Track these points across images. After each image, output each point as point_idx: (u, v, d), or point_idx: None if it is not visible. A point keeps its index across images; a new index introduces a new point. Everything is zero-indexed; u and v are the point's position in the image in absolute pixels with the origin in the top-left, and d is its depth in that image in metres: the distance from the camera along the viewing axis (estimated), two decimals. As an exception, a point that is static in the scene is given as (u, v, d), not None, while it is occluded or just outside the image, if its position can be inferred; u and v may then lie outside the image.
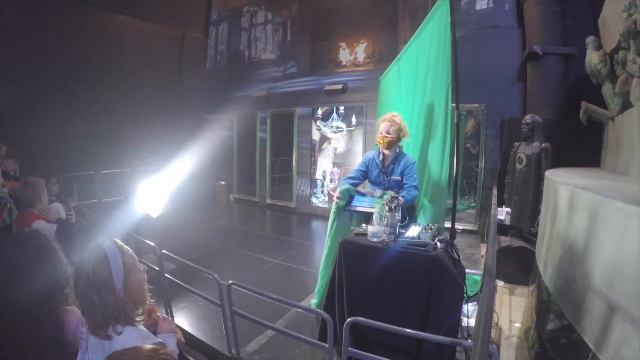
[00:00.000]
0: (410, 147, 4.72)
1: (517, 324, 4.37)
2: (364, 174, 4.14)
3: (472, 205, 8.13)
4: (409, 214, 3.71)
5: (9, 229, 3.56)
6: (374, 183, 4.12)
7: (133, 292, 1.68)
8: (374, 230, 3.24)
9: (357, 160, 9.08)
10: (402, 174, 3.91)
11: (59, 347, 1.91)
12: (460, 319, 3.23)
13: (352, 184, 4.03)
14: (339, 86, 9.50)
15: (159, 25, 11.35)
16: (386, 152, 4.01)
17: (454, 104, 3.91)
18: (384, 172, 4.02)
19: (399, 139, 3.95)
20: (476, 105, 7.65)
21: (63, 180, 6.43)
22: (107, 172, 9.15)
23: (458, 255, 3.38)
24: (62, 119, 8.64)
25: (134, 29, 10.66)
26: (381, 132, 3.95)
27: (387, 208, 3.15)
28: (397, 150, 4.01)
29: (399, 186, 3.90)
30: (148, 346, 1.27)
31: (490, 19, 7.78)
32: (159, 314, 1.95)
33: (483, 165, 7.81)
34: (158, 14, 11.02)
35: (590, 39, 5.19)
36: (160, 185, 6.80)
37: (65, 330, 1.95)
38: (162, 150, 9.30)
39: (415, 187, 3.81)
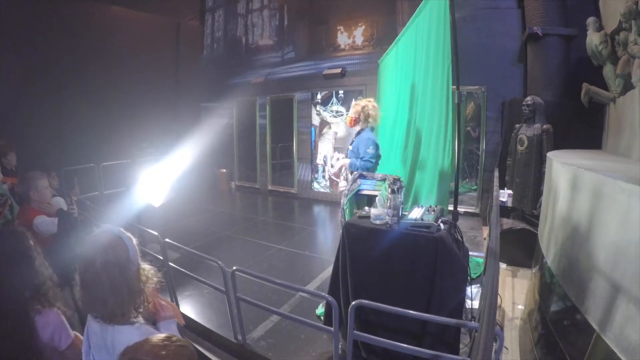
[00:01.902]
0: (412, 129, 4.70)
1: (520, 306, 4.40)
2: None
3: (474, 187, 8.11)
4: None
5: (10, 224, 3.55)
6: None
7: (140, 275, 1.71)
8: (377, 212, 3.24)
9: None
10: (354, 147, 4.61)
11: (29, 351, 1.90)
12: (464, 301, 3.25)
13: None
14: (338, 70, 9.43)
15: (153, 15, 11.27)
16: (353, 129, 4.86)
17: (454, 86, 3.89)
18: (350, 146, 4.77)
19: (359, 119, 4.65)
20: (476, 87, 7.59)
21: (64, 174, 6.43)
22: (107, 164, 9.18)
23: (461, 236, 3.38)
24: (59, 112, 8.64)
25: (128, 19, 10.59)
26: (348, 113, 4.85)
27: (389, 190, 3.15)
28: (359, 129, 4.71)
29: (352, 155, 4.61)
30: (160, 335, 1.27)
31: None
32: (158, 299, 1.93)
33: (484, 148, 7.75)
34: (152, 3, 10.93)
35: (591, 20, 5.12)
36: (161, 175, 6.81)
37: (39, 334, 1.94)
38: (162, 140, 9.31)
39: (362, 159, 4.44)
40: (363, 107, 4.65)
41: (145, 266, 1.77)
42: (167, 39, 11.98)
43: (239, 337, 3.72)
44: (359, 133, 4.72)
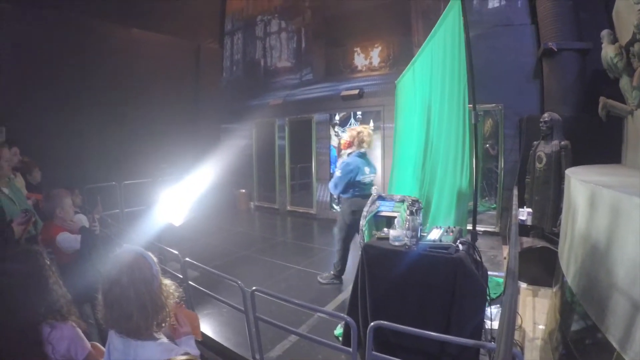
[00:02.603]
0: (429, 150, 4.72)
1: (541, 326, 4.33)
2: None
3: (493, 206, 8.05)
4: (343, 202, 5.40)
5: (34, 240, 3.63)
6: None
7: (162, 291, 1.76)
8: (396, 234, 3.26)
9: (376, 164, 9.12)
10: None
11: None
12: (484, 322, 3.22)
13: None
14: (356, 91, 9.51)
15: (174, 37, 11.52)
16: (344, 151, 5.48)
17: (470, 105, 3.91)
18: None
19: (353, 143, 5.34)
20: (493, 105, 7.58)
21: (86, 192, 6.58)
22: (128, 183, 9.37)
23: (480, 257, 3.37)
24: (82, 132, 8.84)
25: (149, 41, 10.85)
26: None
27: (408, 211, 3.17)
28: (348, 153, 5.38)
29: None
30: (181, 357, 1.30)
31: (503, 16, 7.70)
32: (179, 313, 1.98)
33: (503, 166, 7.71)
34: (172, 26, 11.20)
35: (605, 33, 5.11)
36: (181, 195, 6.90)
37: (55, 347, 1.98)
38: (182, 160, 9.44)
39: (331, 180, 5.38)
40: (358, 133, 5.33)
41: (167, 282, 1.82)
42: (187, 62, 12.22)
43: (257, 357, 3.72)
44: (348, 155, 5.35)
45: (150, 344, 1.66)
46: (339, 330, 4.20)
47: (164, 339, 1.74)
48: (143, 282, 1.65)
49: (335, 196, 5.48)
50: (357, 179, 5.26)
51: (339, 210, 5.50)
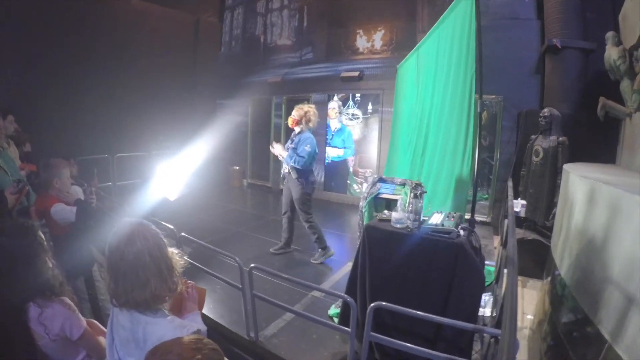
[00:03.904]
0: (429, 136, 4.72)
1: (529, 316, 4.41)
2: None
3: (485, 197, 8.09)
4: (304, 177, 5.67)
5: (26, 211, 3.58)
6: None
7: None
8: (398, 216, 3.27)
9: (373, 147, 9.14)
10: (297, 145, 5.58)
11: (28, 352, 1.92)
12: (479, 308, 3.27)
13: None
14: (356, 73, 9.46)
15: (173, 10, 11.38)
16: (294, 129, 5.76)
17: (477, 94, 3.91)
18: (289, 142, 5.74)
19: (301, 122, 5.66)
20: (493, 96, 7.59)
21: (79, 164, 6.53)
22: (122, 156, 9.27)
23: (479, 244, 3.41)
24: (75, 103, 8.72)
25: (148, 13, 10.71)
26: (292, 115, 5.70)
27: (412, 194, 3.19)
28: (299, 130, 5.69)
29: (292, 152, 5.62)
30: (190, 337, 1.30)
31: (509, 9, 7.66)
32: (187, 286, 1.96)
33: (498, 157, 7.78)
34: (173, -3, 11.01)
35: (610, 34, 5.11)
36: (177, 169, 6.87)
37: (49, 326, 1.96)
38: (177, 134, 9.39)
39: (298, 154, 5.56)
40: (306, 112, 5.66)
41: (171, 249, 1.79)
42: (185, 35, 12.09)
43: (252, 334, 3.77)
44: (299, 133, 5.67)
45: (161, 321, 1.63)
46: (333, 310, 4.25)
47: (173, 316, 1.73)
48: (157, 246, 1.64)
49: (288, 171, 5.73)
50: (315, 153, 5.74)
51: (295, 183, 5.70)
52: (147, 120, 9.85)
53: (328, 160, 10.16)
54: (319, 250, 5.91)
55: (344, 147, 9.86)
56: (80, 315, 2.12)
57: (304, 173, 5.71)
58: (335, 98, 9.92)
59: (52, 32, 8.43)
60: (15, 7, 7.87)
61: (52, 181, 3.54)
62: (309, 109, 5.75)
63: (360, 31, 9.85)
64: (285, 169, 5.74)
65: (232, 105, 12.25)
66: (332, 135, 9.98)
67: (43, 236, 2.14)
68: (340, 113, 9.82)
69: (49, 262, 2.09)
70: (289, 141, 5.81)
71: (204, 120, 10.96)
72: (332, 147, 10.08)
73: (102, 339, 2.12)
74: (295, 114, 5.69)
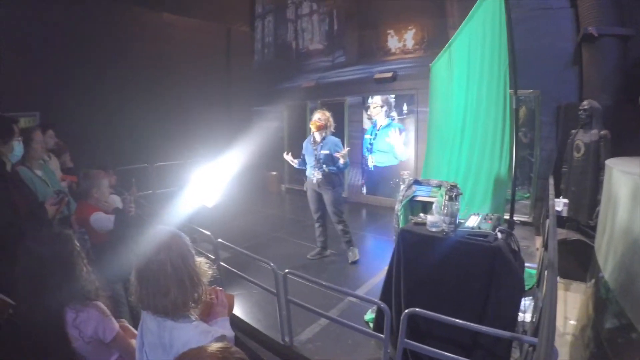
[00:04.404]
0: (466, 135, 4.60)
1: (572, 321, 4.19)
2: (304, 155, 5.91)
3: (526, 195, 7.78)
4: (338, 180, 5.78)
5: (67, 219, 3.72)
6: (309, 156, 5.82)
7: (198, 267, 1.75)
8: (434, 219, 3.19)
9: (409, 149, 8.97)
10: (330, 149, 5.63)
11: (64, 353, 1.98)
12: (518, 314, 3.14)
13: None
14: (389, 74, 9.34)
15: (205, 21, 11.56)
16: (316, 134, 5.70)
17: (511, 90, 3.78)
18: (315, 147, 5.72)
19: (326, 126, 5.69)
20: (530, 91, 7.24)
21: (119, 173, 6.70)
22: (160, 165, 9.53)
23: (518, 247, 3.28)
24: (115, 116, 9.01)
25: (180, 26, 10.94)
26: (313, 119, 5.70)
27: (447, 197, 3.10)
28: (325, 134, 5.70)
29: (327, 158, 5.66)
30: (217, 345, 1.27)
31: None
32: (215, 292, 1.97)
33: (538, 154, 7.46)
34: (203, 10, 11.24)
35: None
36: (214, 176, 6.95)
37: (82, 329, 2.03)
38: (214, 142, 9.50)
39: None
40: (329, 117, 5.77)
41: (200, 259, 1.80)
42: (218, 45, 12.27)
43: (287, 339, 3.74)
44: (324, 138, 5.71)
45: (187, 326, 1.64)
46: (369, 316, 4.17)
47: (199, 320, 1.72)
48: (180, 257, 1.65)
49: (320, 175, 5.72)
50: None
51: (329, 187, 5.76)
52: (184, 130, 10.05)
53: (370, 167, 9.99)
54: (351, 248, 5.96)
55: (387, 152, 9.60)
56: (113, 319, 2.19)
57: (337, 176, 5.77)
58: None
59: (89, 47, 8.73)
60: (52, 24, 8.20)
61: (91, 191, 3.65)
62: (328, 113, 5.86)
63: (391, 31, 9.69)
64: (317, 174, 5.70)
65: (268, 112, 12.33)
66: (376, 134, 9.75)
67: (79, 244, 2.22)
68: (385, 107, 9.54)
69: (84, 269, 2.17)
70: (312, 146, 5.82)
71: (240, 128, 11.07)
72: (377, 152, 9.82)
73: (134, 342, 2.17)
74: (321, 117, 5.70)
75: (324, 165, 5.67)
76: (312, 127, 5.73)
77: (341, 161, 5.56)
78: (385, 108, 9.46)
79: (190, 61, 10.99)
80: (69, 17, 8.45)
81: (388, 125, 9.48)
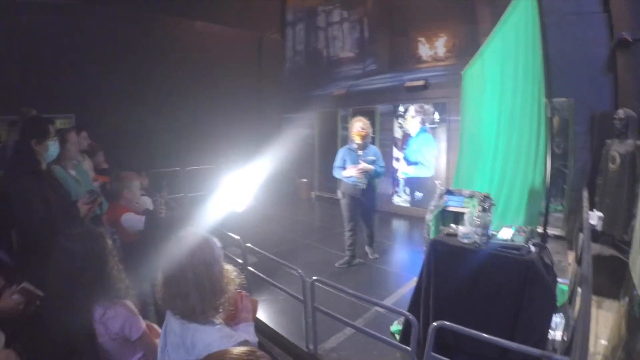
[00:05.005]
0: (500, 144, 4.50)
1: (603, 341, 4.00)
2: (344, 163, 5.92)
3: (559, 208, 7.51)
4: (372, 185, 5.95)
5: (99, 220, 3.79)
6: (352, 164, 5.82)
7: (223, 276, 1.73)
8: (466, 230, 3.12)
9: (441, 157, 8.83)
10: (374, 156, 5.84)
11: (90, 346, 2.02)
12: (549, 331, 3.03)
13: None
14: (421, 82, 9.23)
15: (236, 29, 11.76)
16: (359, 142, 5.82)
17: (546, 98, 3.68)
18: (359, 155, 5.82)
19: (368, 134, 5.86)
20: (563, 99, 6.95)
21: (151, 176, 6.84)
22: (192, 169, 9.78)
23: (552, 261, 3.18)
24: (147, 121, 9.28)
25: (213, 33, 11.17)
26: (357, 128, 5.79)
27: (479, 208, 3.03)
28: (367, 141, 5.89)
29: (372, 163, 5.78)
30: (243, 348, 1.25)
31: (573, 4, 6.94)
32: (240, 298, 1.95)
33: (572, 165, 7.17)
34: (235, 18, 11.42)
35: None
36: (245, 182, 7.00)
37: (109, 326, 2.06)
38: (245, 148, 9.61)
39: (382, 167, 5.94)
40: (369, 125, 5.91)
41: (229, 267, 1.80)
42: (250, 52, 12.45)
43: (311, 347, 3.71)
44: (366, 146, 5.88)
45: (209, 329, 1.63)
46: (395, 327, 4.10)
47: (222, 324, 1.72)
48: (203, 264, 1.64)
49: (366, 182, 5.85)
50: None
51: (374, 194, 6.13)
52: (216, 135, 10.23)
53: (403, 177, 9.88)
54: (374, 246, 6.36)
55: (417, 163, 9.47)
56: (140, 318, 2.22)
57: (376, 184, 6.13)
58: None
59: (125, 54, 9.06)
60: (89, 32, 8.58)
61: (123, 192, 3.72)
62: (364, 120, 5.95)
63: (422, 39, 9.58)
64: (363, 180, 5.77)
65: (299, 119, 12.38)
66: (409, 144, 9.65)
67: (111, 243, 2.27)
68: (420, 116, 9.40)
69: (116, 267, 2.22)
70: (355, 154, 5.90)
71: (270, 134, 11.15)
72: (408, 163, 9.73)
73: (159, 342, 2.17)
74: (364, 126, 5.80)
75: (377, 173, 5.87)
76: (356, 137, 5.80)
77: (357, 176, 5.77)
78: (420, 117, 9.33)
79: (223, 68, 11.18)
80: (105, 25, 8.81)
81: (420, 134, 9.36)
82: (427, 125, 9.18)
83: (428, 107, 9.15)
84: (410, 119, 9.46)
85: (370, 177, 5.82)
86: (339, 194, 6.12)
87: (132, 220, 3.60)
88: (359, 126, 5.79)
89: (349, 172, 5.76)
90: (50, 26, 8.03)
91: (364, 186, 5.79)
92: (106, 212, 3.84)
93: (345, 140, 10.73)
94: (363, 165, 5.69)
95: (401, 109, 9.73)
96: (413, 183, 9.63)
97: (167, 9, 9.98)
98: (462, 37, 8.88)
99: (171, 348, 1.69)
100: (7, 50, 7.58)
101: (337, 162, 5.99)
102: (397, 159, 9.83)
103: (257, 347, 1.59)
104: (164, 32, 10.05)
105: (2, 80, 7.32)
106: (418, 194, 9.41)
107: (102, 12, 8.80)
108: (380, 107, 10.21)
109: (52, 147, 3.22)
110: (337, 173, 5.97)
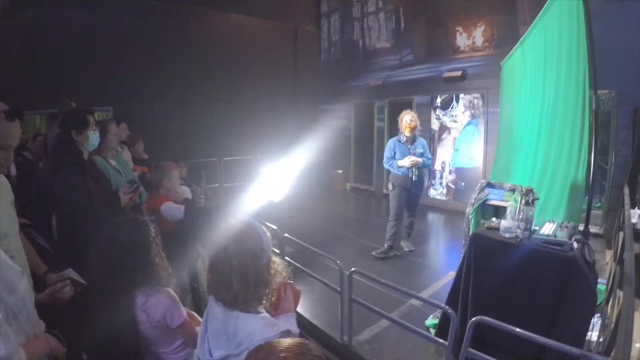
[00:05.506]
0: (542, 137, 4.37)
1: (638, 345, 3.88)
2: (394, 155, 6.02)
3: (598, 205, 7.17)
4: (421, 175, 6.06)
5: (138, 209, 3.86)
6: (403, 155, 5.92)
7: (269, 268, 1.74)
8: (508, 224, 3.06)
9: (478, 150, 8.65)
10: (422, 148, 6.01)
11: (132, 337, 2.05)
12: (587, 330, 2.94)
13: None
14: (458, 73, 9.04)
15: (271, 21, 11.79)
16: (408, 134, 5.94)
17: (591, 90, 3.55)
18: (409, 148, 5.95)
19: (417, 127, 5.99)
20: (605, 91, 6.55)
21: (190, 166, 6.99)
22: (228, 159, 9.94)
23: (593, 258, 3.07)
24: (187, 112, 9.51)
25: (248, 25, 11.24)
26: (407, 121, 5.93)
27: (523, 201, 2.95)
28: (415, 133, 6.00)
29: (420, 156, 5.91)
30: (295, 340, 1.25)
31: None
32: (284, 288, 1.93)
33: (613, 161, 6.81)
34: (270, 10, 11.49)
35: None
36: (282, 172, 7.05)
37: (151, 313, 2.08)
38: (281, 139, 9.69)
39: (429, 158, 6.10)
40: (417, 118, 6.06)
41: (276, 259, 1.80)
42: (285, 44, 12.47)
43: (345, 338, 3.72)
44: (414, 138, 6.02)
45: (252, 317, 1.64)
46: (430, 321, 4.06)
47: (266, 314, 1.73)
48: (250, 254, 1.64)
49: (417, 172, 5.97)
50: None
51: (423, 184, 6.34)
52: (252, 126, 10.40)
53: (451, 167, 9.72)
54: (410, 239, 6.44)
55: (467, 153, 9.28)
56: (182, 306, 2.24)
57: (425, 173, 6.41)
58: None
59: (162, 47, 9.28)
60: (127, 26, 8.82)
61: (162, 181, 3.78)
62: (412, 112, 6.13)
63: (460, 28, 9.34)
64: (415, 171, 5.89)
65: (335, 110, 12.37)
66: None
67: (154, 231, 2.29)
68: (469, 108, 9.22)
69: (159, 255, 2.24)
70: (405, 145, 6.00)
71: (307, 125, 11.17)
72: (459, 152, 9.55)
73: (199, 329, 2.20)
74: (412, 119, 5.96)
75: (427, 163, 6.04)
76: (406, 129, 5.93)
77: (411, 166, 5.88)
78: (469, 111, 9.14)
79: (258, 60, 11.26)
80: (141, 19, 9.05)
81: (467, 126, 9.20)
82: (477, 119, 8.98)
83: (477, 101, 8.92)
84: (461, 114, 9.25)
85: (419, 167, 5.91)
86: (390, 186, 6.15)
87: (172, 209, 3.66)
88: (408, 119, 5.93)
89: (403, 163, 5.83)
90: (88, 21, 8.23)
91: (415, 177, 5.89)
92: (146, 201, 3.91)
93: (382, 131, 10.71)
94: (414, 158, 5.80)
95: (438, 100, 9.56)
96: (460, 173, 9.44)
97: (202, 2, 10.15)
98: (501, 26, 8.61)
99: (212, 335, 1.69)
100: (46, 45, 7.85)
101: (387, 153, 6.08)
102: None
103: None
104: (200, 25, 10.20)
105: (42, 75, 7.62)
106: (461, 184, 9.24)
107: (138, 5, 9.02)
108: (417, 98, 10.05)
109: (93, 137, 3.29)
110: (388, 164, 6.07)
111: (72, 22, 8.08)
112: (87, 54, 8.17)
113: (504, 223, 3.10)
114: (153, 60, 9.07)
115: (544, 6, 4.25)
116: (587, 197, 3.72)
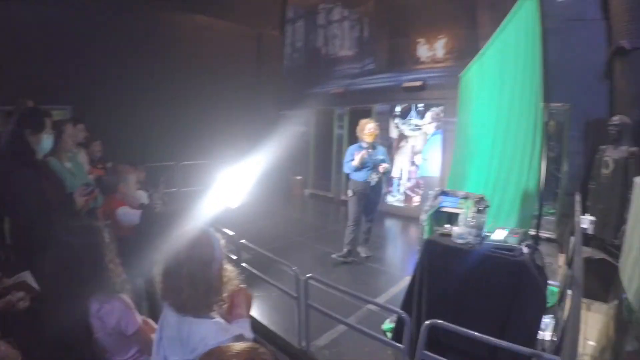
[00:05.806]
0: (496, 147, 4.53)
1: (591, 342, 4.05)
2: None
3: (551, 211, 7.57)
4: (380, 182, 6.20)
5: (93, 212, 3.73)
6: (364, 163, 6.00)
7: (221, 275, 1.74)
8: (460, 231, 3.15)
9: (436, 158, 8.85)
10: (382, 155, 6.15)
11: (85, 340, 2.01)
12: (538, 331, 3.07)
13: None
14: (418, 83, 9.25)
15: (236, 24, 11.77)
16: (370, 141, 6.06)
17: (543, 102, 3.71)
18: (370, 153, 6.01)
19: (377, 134, 6.17)
20: (560, 104, 6.96)
21: (147, 170, 6.86)
22: (186, 164, 9.78)
23: (543, 263, 3.21)
24: (144, 114, 9.25)
25: (212, 28, 11.20)
26: (370, 129, 6.08)
27: (474, 209, 3.06)
28: (376, 141, 6.18)
29: (380, 162, 6.03)
30: (244, 344, 1.26)
31: (574, 10, 6.98)
32: (236, 294, 1.95)
33: (566, 169, 7.25)
34: (235, 13, 11.45)
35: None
36: (240, 178, 6.99)
37: (105, 321, 2.05)
38: (240, 144, 9.60)
39: (390, 166, 6.27)
40: (377, 126, 6.26)
41: (229, 267, 1.81)
42: (249, 48, 12.47)
43: (303, 344, 3.72)
44: (374, 145, 6.15)
45: (205, 322, 1.64)
46: (387, 325, 4.13)
47: (219, 319, 1.72)
48: (200, 261, 1.64)
49: (377, 178, 6.15)
50: None
51: (382, 189, 6.49)
52: (211, 130, 10.23)
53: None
54: (367, 245, 6.45)
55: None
56: (136, 312, 2.21)
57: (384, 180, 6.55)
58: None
59: (123, 46, 9.07)
60: (87, 23, 8.58)
61: (119, 185, 3.71)
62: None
63: (422, 40, 9.58)
64: (375, 177, 6.08)
65: (295, 116, 12.34)
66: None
67: (108, 236, 2.25)
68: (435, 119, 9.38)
69: (113, 261, 2.20)
70: (366, 152, 6.03)
71: (266, 131, 11.12)
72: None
73: (154, 336, 2.17)
74: (375, 127, 6.16)
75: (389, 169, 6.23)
76: (368, 136, 6.07)
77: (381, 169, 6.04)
78: (435, 123, 9.31)
79: (221, 63, 11.19)
80: (104, 17, 8.81)
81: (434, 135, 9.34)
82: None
83: (440, 113, 9.11)
84: (428, 125, 9.38)
85: (380, 174, 6.07)
86: (349, 192, 6.26)
87: (128, 214, 3.60)
88: (370, 126, 6.09)
89: (357, 160, 5.96)
90: (48, 17, 8.01)
91: (374, 183, 6.02)
92: (102, 205, 3.80)
93: (341, 138, 10.79)
94: (383, 165, 5.99)
95: (398, 109, 9.72)
96: (429, 182, 9.44)
97: (168, 2, 10.02)
98: (462, 40, 8.90)
99: (167, 341, 1.69)
100: (4, 40, 7.54)
101: (348, 158, 6.15)
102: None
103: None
104: (163, 25, 10.06)
105: (-1, 71, 7.30)
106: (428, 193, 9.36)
107: (101, 3, 8.79)
108: (377, 106, 10.19)
109: (46, 141, 3.18)
110: (348, 168, 6.16)
111: (33, 18, 7.85)
112: (47, 51, 7.94)
113: (456, 229, 3.19)
114: (113, 59, 8.86)
115: (503, 22, 4.41)
116: (538, 204, 3.87)
